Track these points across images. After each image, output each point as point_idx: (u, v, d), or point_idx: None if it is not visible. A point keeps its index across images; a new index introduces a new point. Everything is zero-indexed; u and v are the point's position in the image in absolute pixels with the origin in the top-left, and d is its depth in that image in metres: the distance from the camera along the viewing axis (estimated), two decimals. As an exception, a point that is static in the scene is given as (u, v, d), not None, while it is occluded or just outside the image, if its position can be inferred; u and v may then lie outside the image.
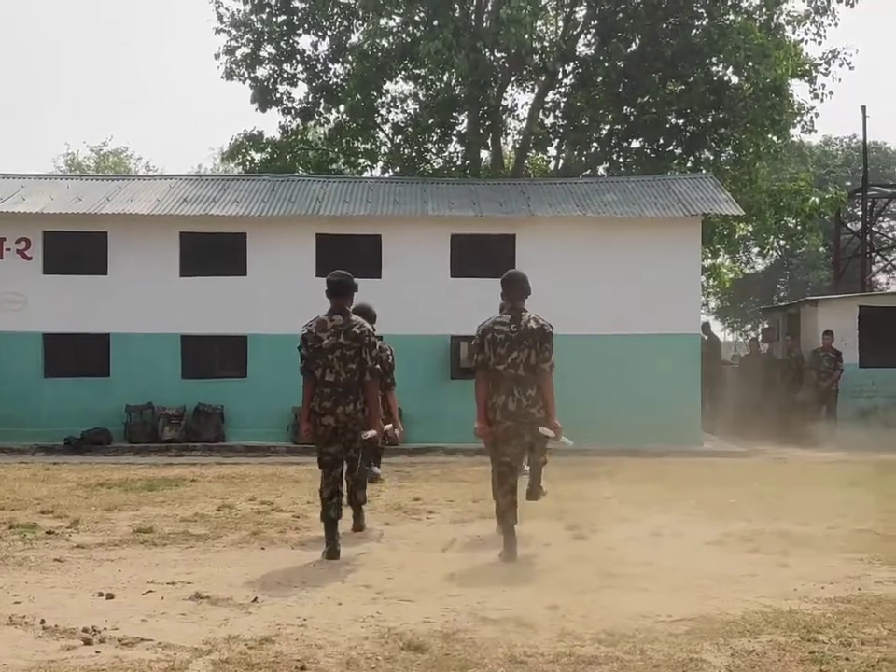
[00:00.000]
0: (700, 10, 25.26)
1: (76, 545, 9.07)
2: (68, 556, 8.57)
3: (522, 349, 8.53)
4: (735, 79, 25.52)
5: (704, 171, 24.75)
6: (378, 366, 8.98)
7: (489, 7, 25.08)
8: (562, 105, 27.26)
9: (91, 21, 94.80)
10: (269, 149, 28.22)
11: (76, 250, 19.14)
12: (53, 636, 6.11)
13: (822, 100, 25.94)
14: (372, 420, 8.92)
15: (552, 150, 28.65)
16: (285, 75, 27.60)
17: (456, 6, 24.83)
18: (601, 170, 27.12)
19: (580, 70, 26.22)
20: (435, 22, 23.82)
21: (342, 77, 27.66)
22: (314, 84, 27.68)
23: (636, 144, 27.47)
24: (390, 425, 10.27)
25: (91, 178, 24.80)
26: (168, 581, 7.55)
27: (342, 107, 27.75)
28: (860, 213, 33.15)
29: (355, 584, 7.56)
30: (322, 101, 27.95)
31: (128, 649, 5.87)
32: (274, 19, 26.85)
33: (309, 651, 5.83)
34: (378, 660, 5.69)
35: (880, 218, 38.98)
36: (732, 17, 24.95)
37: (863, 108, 30.09)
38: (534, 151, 28.75)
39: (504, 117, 27.47)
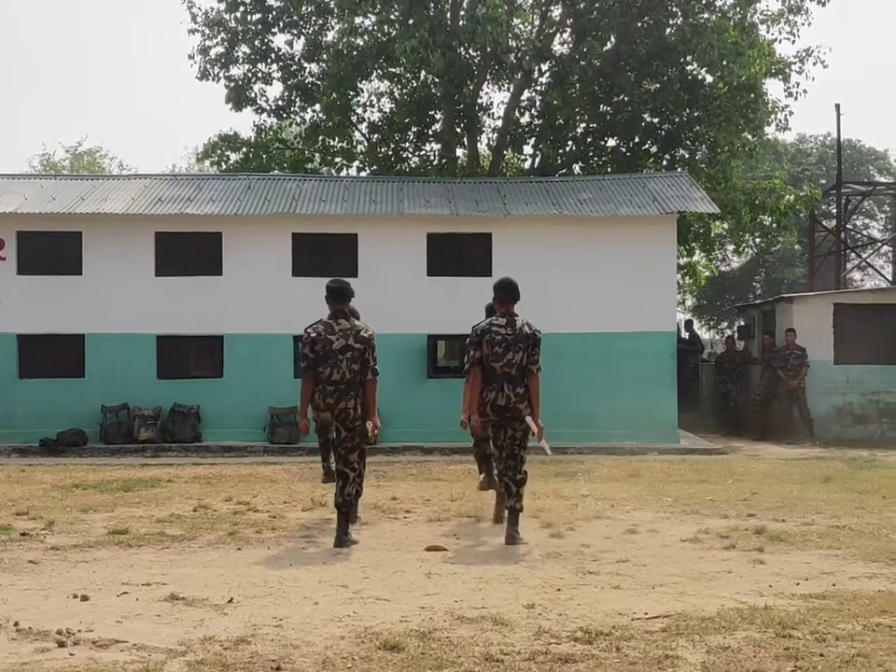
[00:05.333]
0: (674, 9, 25.32)
1: (50, 547, 9.03)
2: (43, 558, 8.53)
3: (517, 351, 9.37)
4: (709, 78, 25.60)
5: (679, 169, 24.84)
6: (377, 366, 9.60)
7: (465, 6, 25.06)
8: (538, 103, 27.27)
9: (66, 21, 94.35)
10: (244, 149, 28.13)
11: (50, 250, 19.04)
12: (27, 638, 6.07)
13: (796, 98, 26.08)
14: (370, 415, 9.52)
15: (527, 149, 28.69)
16: (259, 74, 27.51)
17: (432, 4, 24.80)
18: (577, 168, 27.14)
19: (555, 69, 26.20)
20: (410, 21, 23.75)
21: (317, 75, 27.60)
22: (289, 83, 27.60)
23: (611, 142, 27.53)
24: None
25: (65, 178, 24.64)
26: (143, 583, 7.53)
27: (317, 106, 27.70)
28: (834, 210, 33.33)
29: (331, 584, 7.55)
30: (297, 100, 27.88)
31: (102, 650, 5.84)
32: (249, 17, 26.75)
33: (285, 651, 5.82)
34: (354, 659, 5.68)
35: (854, 216, 39.25)
36: (706, 16, 25.01)
37: (837, 106, 30.26)
38: (510, 150, 28.76)
39: (480, 115, 27.46)
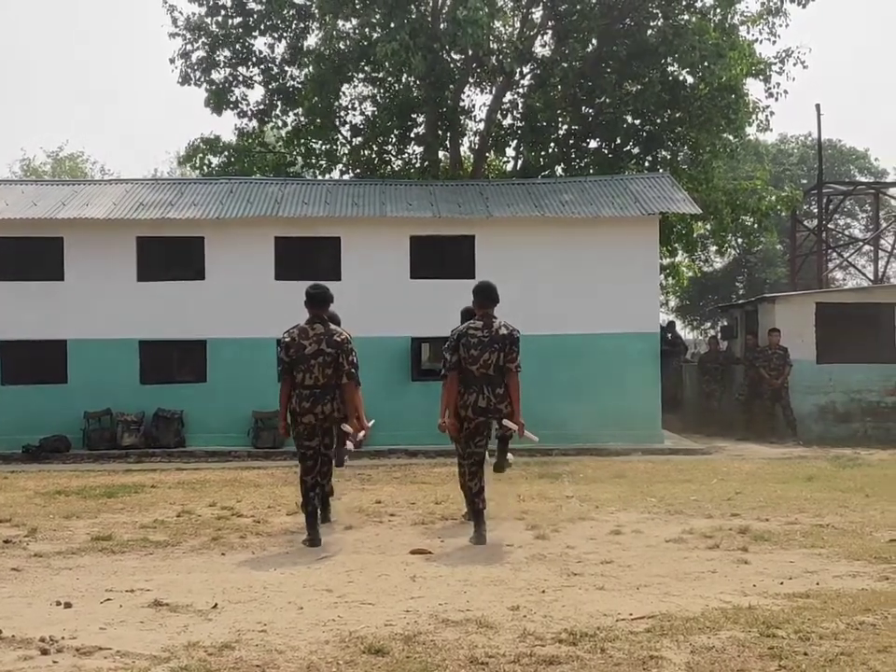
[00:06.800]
0: (655, 11, 25.39)
1: (33, 554, 8.99)
2: (26, 565, 8.49)
3: (493, 352, 9.44)
4: (690, 79, 25.66)
5: (661, 170, 24.88)
6: (354, 370, 9.71)
7: (446, 8, 25.06)
8: (519, 105, 27.30)
9: (48, 25, 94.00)
10: (226, 153, 28.06)
11: (31, 256, 18.96)
12: (10, 645, 6.03)
13: (777, 99, 26.17)
14: (349, 417, 9.65)
15: (509, 151, 28.73)
16: (241, 77, 27.48)
17: (413, 7, 24.81)
18: (559, 170, 27.17)
19: (537, 71, 26.28)
20: (392, 24, 23.77)
21: (298, 79, 27.58)
22: (270, 87, 27.58)
23: (593, 144, 27.58)
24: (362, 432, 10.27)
25: (46, 183, 24.49)
26: (127, 589, 7.49)
27: (299, 110, 27.66)
28: (815, 210, 33.45)
29: (316, 588, 7.53)
30: (279, 103, 27.86)
31: (86, 658, 5.81)
32: (230, 21, 26.71)
33: (269, 656, 5.80)
34: (339, 664, 5.67)
35: (835, 216, 39.37)
36: (686, 17, 25.09)
37: (818, 106, 30.43)
38: (492, 152, 28.78)
39: (462, 118, 27.46)
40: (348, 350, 9.64)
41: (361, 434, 9.87)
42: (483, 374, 9.41)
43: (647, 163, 26.82)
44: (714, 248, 35.51)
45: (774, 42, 26.09)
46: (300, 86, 27.31)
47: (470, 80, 27.10)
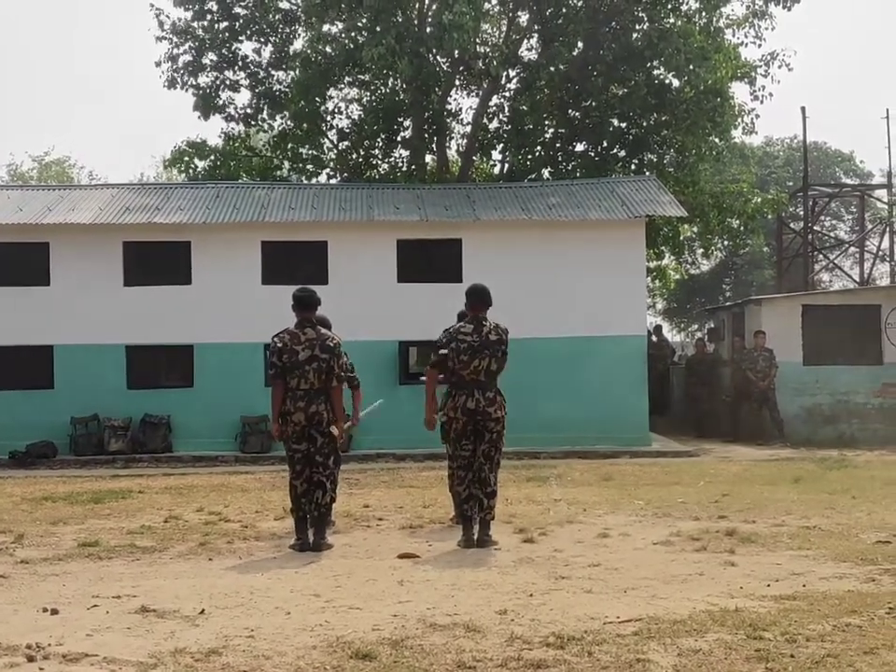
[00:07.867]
0: (640, 14, 25.42)
1: (20, 560, 8.94)
2: (12, 572, 8.45)
3: (483, 357, 9.50)
4: (676, 82, 25.69)
5: (647, 173, 24.92)
6: (343, 372, 9.84)
7: (432, 13, 25.07)
8: (506, 109, 27.36)
9: (35, 29, 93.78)
10: (212, 157, 28.04)
11: (17, 261, 18.90)
12: (-4, 653, 6.01)
13: (762, 101, 26.23)
14: (337, 420, 9.63)
15: (496, 154, 28.76)
16: (227, 82, 27.45)
17: (399, 11, 24.82)
18: (546, 173, 27.20)
19: (523, 74, 26.31)
20: (378, 28, 23.77)
21: (285, 83, 27.58)
22: (257, 91, 27.57)
23: (579, 147, 27.62)
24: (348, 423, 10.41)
25: (32, 188, 24.48)
26: (114, 595, 7.46)
27: (285, 114, 27.65)
28: (801, 212, 33.54)
29: (303, 593, 7.51)
30: (266, 107, 27.84)
31: (72, 664, 5.78)
32: (216, 25, 26.70)
33: (256, 661, 5.78)
34: (326, 669, 5.65)
35: (821, 218, 39.47)
36: (672, 20, 25.12)
37: (803, 109, 30.54)
38: (479, 156, 28.80)
39: (449, 121, 27.49)
40: (339, 354, 9.65)
41: (347, 425, 9.94)
42: (472, 380, 9.48)
43: (633, 166, 26.86)
44: (701, 251, 35.59)
45: (759, 45, 26.18)
46: (286, 90, 27.31)
47: (457, 84, 27.15)
